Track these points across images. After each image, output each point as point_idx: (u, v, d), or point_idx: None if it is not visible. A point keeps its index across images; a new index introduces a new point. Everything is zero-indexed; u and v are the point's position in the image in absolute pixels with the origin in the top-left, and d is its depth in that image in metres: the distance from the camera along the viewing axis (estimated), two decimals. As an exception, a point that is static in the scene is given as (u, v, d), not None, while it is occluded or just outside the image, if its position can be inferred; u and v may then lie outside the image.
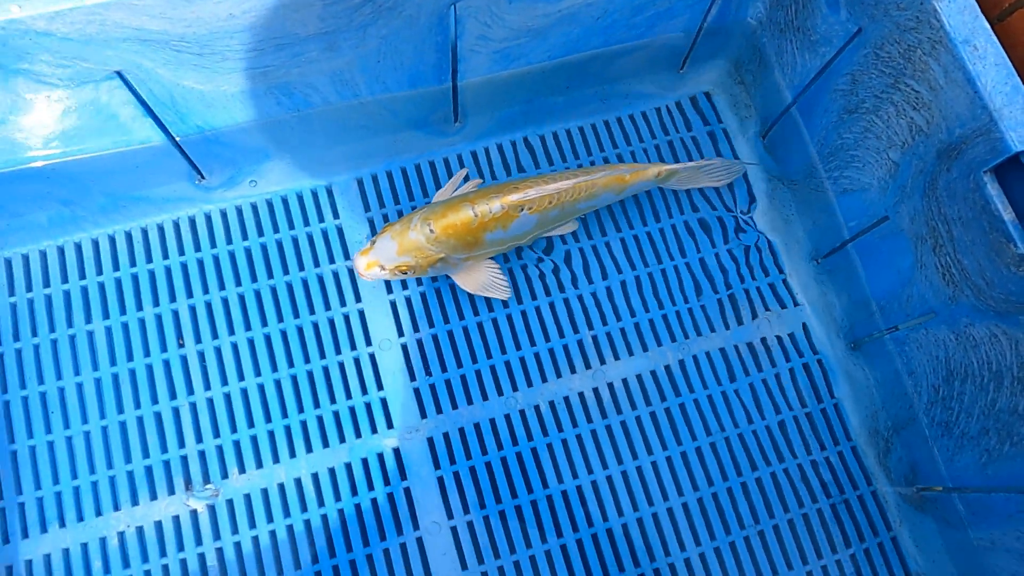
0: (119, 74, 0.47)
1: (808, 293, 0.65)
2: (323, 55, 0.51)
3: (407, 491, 0.59)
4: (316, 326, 0.61)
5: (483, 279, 0.60)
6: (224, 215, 0.63)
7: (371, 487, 0.58)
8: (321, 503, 0.57)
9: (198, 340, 0.60)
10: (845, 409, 0.63)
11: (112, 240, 0.62)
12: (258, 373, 0.60)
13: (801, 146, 0.63)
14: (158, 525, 0.56)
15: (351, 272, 0.63)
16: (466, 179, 0.64)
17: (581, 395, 0.62)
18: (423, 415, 0.60)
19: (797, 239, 0.66)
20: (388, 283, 0.63)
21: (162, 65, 0.47)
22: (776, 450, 0.62)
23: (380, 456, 0.59)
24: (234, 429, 0.58)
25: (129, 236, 0.62)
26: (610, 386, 0.62)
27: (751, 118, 0.70)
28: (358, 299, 0.62)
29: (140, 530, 0.55)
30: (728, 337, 0.64)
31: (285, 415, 0.59)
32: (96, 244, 0.61)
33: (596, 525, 0.59)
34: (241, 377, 0.60)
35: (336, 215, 0.64)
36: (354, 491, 0.58)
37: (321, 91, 0.55)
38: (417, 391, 0.61)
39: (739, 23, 0.64)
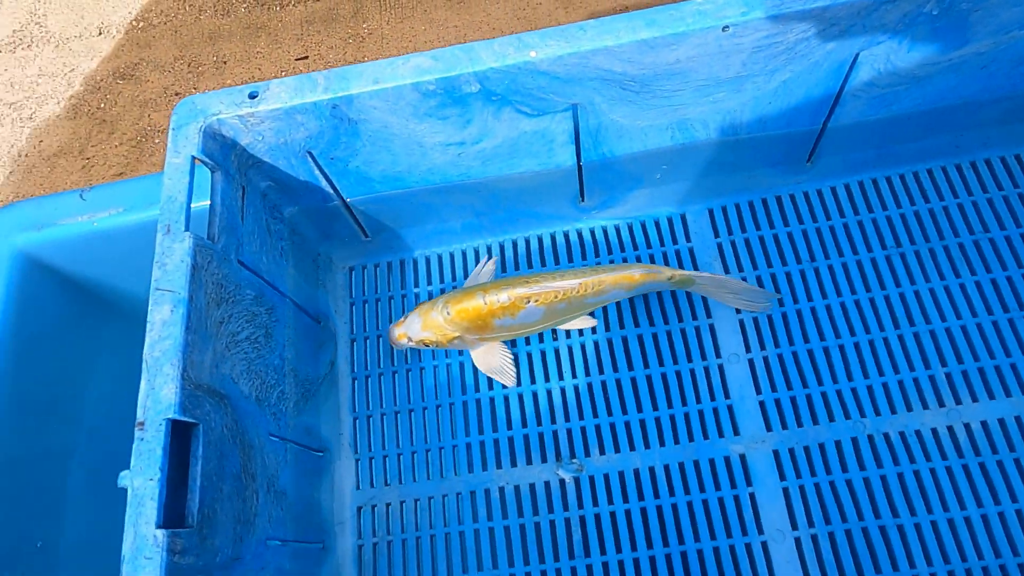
0: (574, 107, 0.59)
1: None
2: (728, 95, 0.60)
3: (752, 496, 0.62)
4: (669, 334, 0.69)
5: (494, 363, 0.66)
6: (592, 233, 0.74)
7: (717, 487, 0.63)
8: (671, 493, 0.63)
9: (568, 336, 0.70)
10: None
11: (502, 247, 0.75)
12: (615, 369, 0.68)
13: None
14: (531, 487, 0.65)
15: (704, 295, 0.70)
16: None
17: (934, 431, 0.62)
18: (768, 428, 0.64)
19: None
20: (737, 303, 0.69)
21: (607, 100, 0.58)
22: None
23: (727, 459, 0.64)
24: (595, 415, 0.67)
25: (515, 244, 0.75)
26: (967, 426, 0.62)
27: None
28: (708, 315, 0.69)
29: (516, 488, 0.65)
30: (1107, 392, 0.61)
31: (640, 410, 0.66)
32: (489, 249, 0.75)
33: (953, 562, 0.58)
34: (600, 371, 0.68)
35: (688, 239, 0.72)
36: (701, 488, 0.63)
37: (710, 128, 0.64)
38: (763, 404, 0.65)
39: None
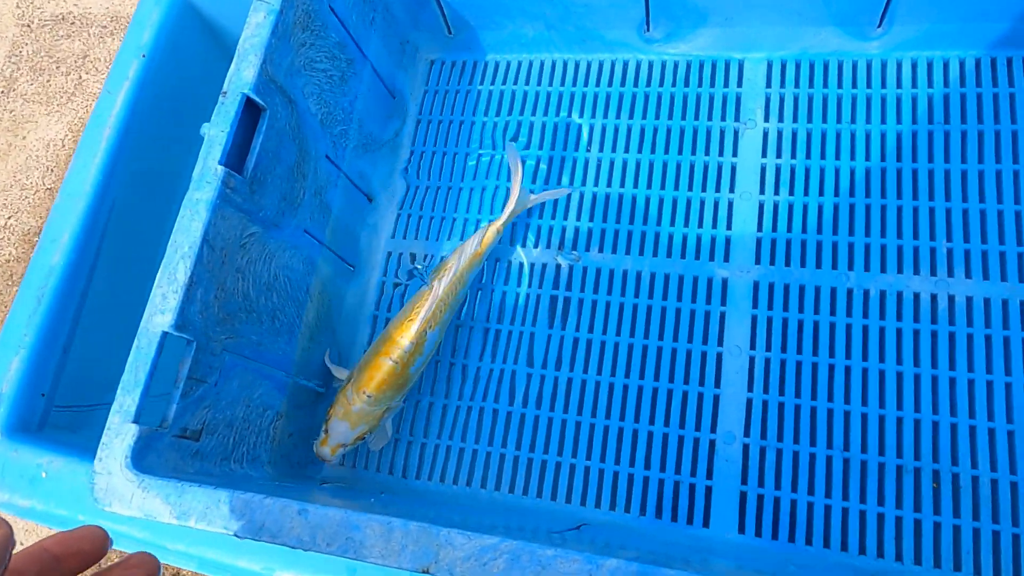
0: (641, -87, 0.63)
1: None
2: (795, -75, 0.61)
3: (722, 315, 0.68)
4: (692, 166, 0.73)
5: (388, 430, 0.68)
6: (651, 66, 0.78)
7: (694, 300, 0.69)
8: (651, 295, 0.70)
9: (601, 149, 0.76)
10: None
11: (565, 64, 0.81)
12: (649, 185, 0.74)
13: None
14: (532, 265, 0.74)
15: (736, 132, 0.73)
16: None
17: (916, 296, 0.64)
18: (757, 261, 0.68)
19: None
20: (764, 144, 0.71)
21: (673, -90, 0.62)
22: None
23: (709, 281, 0.69)
24: (605, 220, 0.74)
25: (576, 65, 0.80)
26: (951, 298, 0.63)
27: None
28: (735, 154, 0.72)
29: (520, 265, 0.74)
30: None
31: (645, 222, 0.72)
32: (553, 65, 0.81)
33: (888, 408, 0.61)
34: (622, 184, 0.74)
35: (740, 84, 0.75)
36: (679, 298, 0.69)
37: (776, -37, 0.65)
38: (759, 241, 0.69)
39: None
